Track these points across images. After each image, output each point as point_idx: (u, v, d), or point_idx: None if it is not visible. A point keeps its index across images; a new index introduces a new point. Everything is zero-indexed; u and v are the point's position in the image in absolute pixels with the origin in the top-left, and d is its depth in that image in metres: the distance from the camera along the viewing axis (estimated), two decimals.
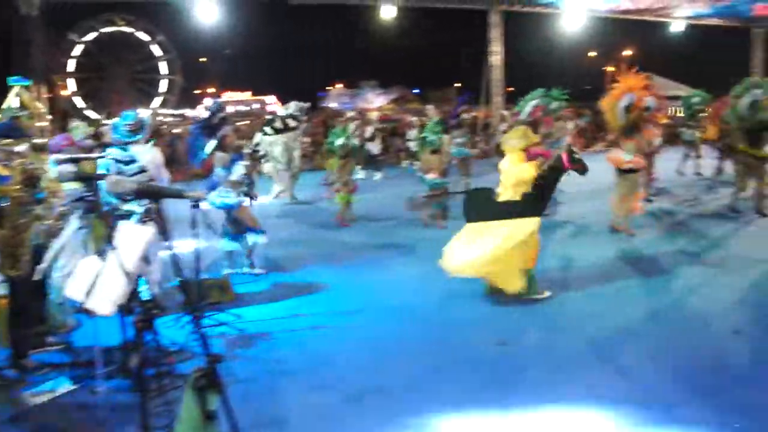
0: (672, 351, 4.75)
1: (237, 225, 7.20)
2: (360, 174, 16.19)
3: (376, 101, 30.91)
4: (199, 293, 5.64)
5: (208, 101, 7.58)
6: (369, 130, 16.70)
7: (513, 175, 5.98)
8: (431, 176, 9.31)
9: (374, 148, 16.72)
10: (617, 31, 34.24)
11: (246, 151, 8.49)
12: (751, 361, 4.59)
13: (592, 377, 4.33)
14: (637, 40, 35.96)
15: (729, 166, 11.29)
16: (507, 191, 6.04)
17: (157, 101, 34.79)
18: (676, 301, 5.96)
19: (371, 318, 5.74)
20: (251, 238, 7.18)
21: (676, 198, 11.57)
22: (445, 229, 9.24)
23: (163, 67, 35.27)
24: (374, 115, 22.69)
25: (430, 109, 10.49)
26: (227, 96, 46.02)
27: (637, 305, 5.85)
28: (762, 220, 9.31)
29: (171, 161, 16.33)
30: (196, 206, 5.31)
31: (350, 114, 18.04)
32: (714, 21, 21.92)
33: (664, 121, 15.33)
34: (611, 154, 8.45)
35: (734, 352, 4.72)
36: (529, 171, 5.94)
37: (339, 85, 37.94)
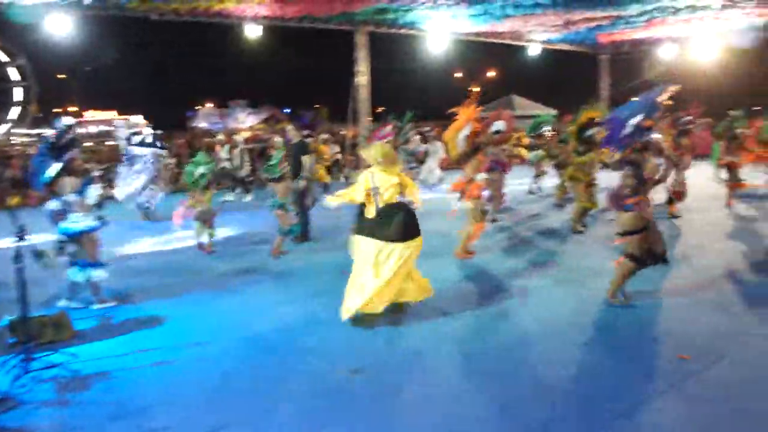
0: (521, 369, 4.88)
1: (80, 254, 6.69)
2: (230, 197, 15.79)
3: (246, 121, 30.24)
4: (30, 332, 5.15)
5: (59, 120, 6.97)
6: (236, 153, 16.33)
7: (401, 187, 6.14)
8: (278, 197, 9.12)
9: (243, 170, 16.35)
10: (482, 52, 35.86)
11: (96, 173, 7.95)
12: (597, 373, 4.79)
13: (444, 404, 4.34)
14: (500, 62, 37.90)
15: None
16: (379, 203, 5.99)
17: (4, 127, 32.04)
18: (521, 319, 6.12)
19: (222, 350, 5.45)
20: (90, 273, 6.69)
21: (522, 216, 12.11)
22: (284, 254, 9.13)
23: (18, 94, 32.36)
24: (243, 135, 22.29)
25: (291, 129, 10.28)
26: (90, 115, 43.63)
27: (488, 325, 5.98)
28: (600, 234, 9.85)
29: (24, 184, 15.17)
30: (20, 238, 4.88)
31: (220, 137, 17.60)
32: (566, 46, 23.36)
33: (524, 140, 16.27)
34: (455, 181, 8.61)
35: (580, 367, 4.92)
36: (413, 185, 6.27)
37: (208, 105, 36.91)
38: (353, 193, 6.18)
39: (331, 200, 6.41)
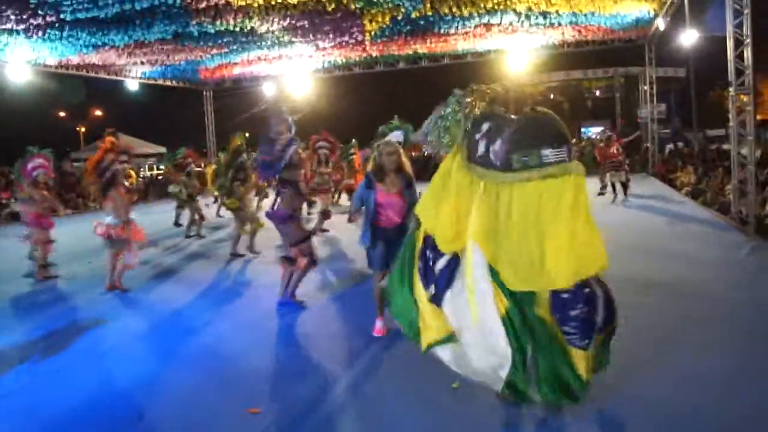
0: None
1: None
2: None
3: None
4: None
5: None
6: None
7: None
8: None
9: None
10: (85, 89, 33.61)
11: None
12: None
13: None
14: (105, 99, 35.60)
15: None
16: None
17: None
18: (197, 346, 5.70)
19: None
20: None
21: (169, 247, 11.80)
22: None
23: None
24: None
25: None
26: None
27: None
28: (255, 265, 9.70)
29: None
30: None
31: None
32: (169, 82, 23.05)
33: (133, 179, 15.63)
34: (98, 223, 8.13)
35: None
36: None
37: None
38: None
39: None
